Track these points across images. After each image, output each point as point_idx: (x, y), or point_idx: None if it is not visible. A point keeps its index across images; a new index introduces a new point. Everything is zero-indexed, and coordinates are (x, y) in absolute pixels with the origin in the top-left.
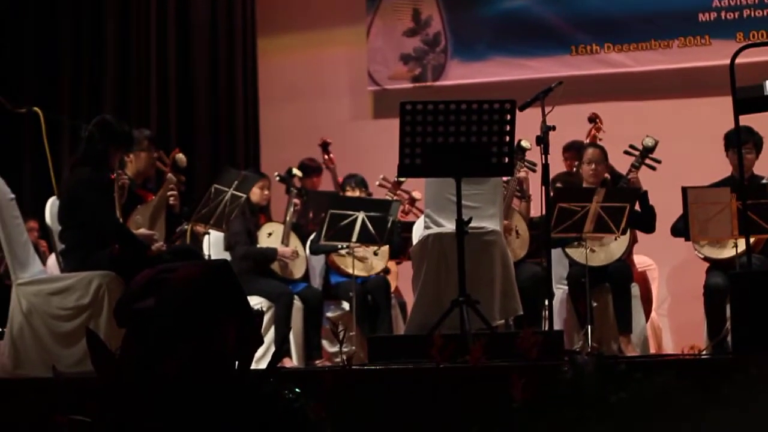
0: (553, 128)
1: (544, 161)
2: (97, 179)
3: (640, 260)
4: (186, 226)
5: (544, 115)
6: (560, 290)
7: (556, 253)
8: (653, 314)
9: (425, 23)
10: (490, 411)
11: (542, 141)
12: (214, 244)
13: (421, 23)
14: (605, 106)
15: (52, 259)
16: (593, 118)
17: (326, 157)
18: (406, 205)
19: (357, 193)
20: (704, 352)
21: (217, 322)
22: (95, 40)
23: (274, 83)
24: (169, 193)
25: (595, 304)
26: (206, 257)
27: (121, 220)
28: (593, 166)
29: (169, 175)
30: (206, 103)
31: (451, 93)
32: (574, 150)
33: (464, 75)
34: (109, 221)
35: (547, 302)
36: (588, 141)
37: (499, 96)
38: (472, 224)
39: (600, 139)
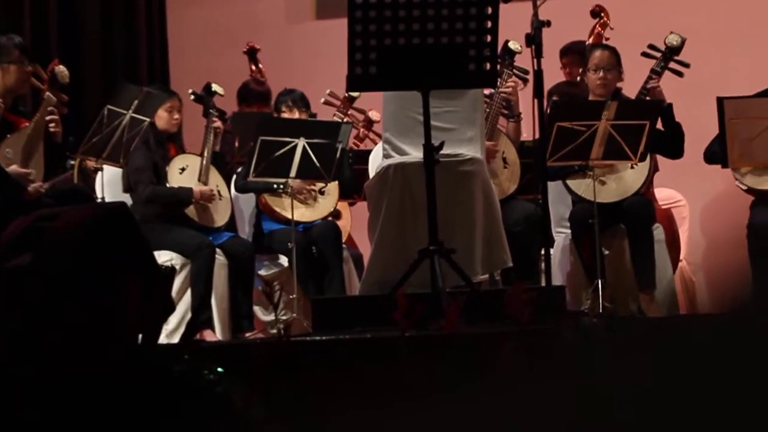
0: (548, 24)
1: (536, 67)
2: None
3: (665, 194)
4: (72, 161)
5: (536, 7)
6: (561, 235)
7: (554, 187)
8: (683, 263)
9: None
10: (468, 389)
11: (534, 41)
12: (109, 184)
13: None
14: None
15: None
16: (597, 12)
17: (254, 68)
18: (361, 129)
19: (296, 115)
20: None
21: (113, 282)
22: None
23: None
24: (47, 117)
25: (606, 252)
26: (98, 200)
27: None
28: (601, 73)
29: (47, 94)
30: (97, 1)
31: None
32: (575, 53)
33: None
34: None
35: (544, 251)
36: (592, 41)
37: None
38: (445, 150)
39: (606, 39)
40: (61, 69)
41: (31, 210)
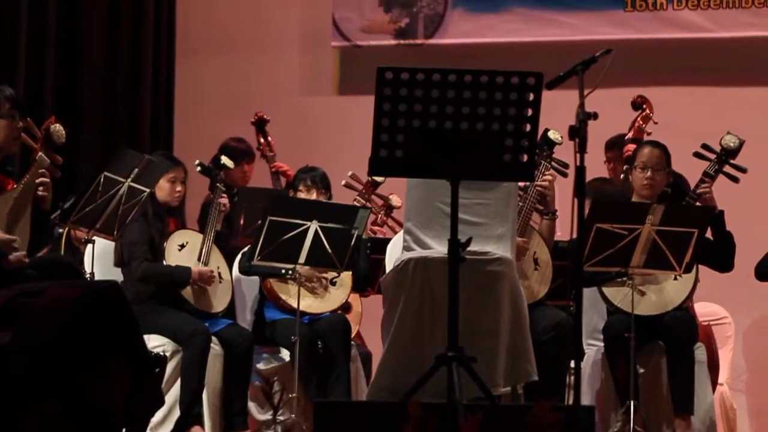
0: (595, 117)
1: (579, 162)
2: None
3: (707, 310)
4: (60, 230)
5: (582, 97)
6: (593, 348)
7: (588, 295)
8: (724, 388)
9: None
10: None
11: (578, 135)
12: (100, 258)
13: None
14: (671, 88)
15: None
16: (639, 104)
17: (262, 140)
18: (380, 215)
19: (314, 196)
20: None
21: (98, 368)
22: None
23: (198, 33)
24: (38, 180)
25: (641, 371)
26: (87, 276)
27: None
28: (649, 173)
29: (40, 154)
30: (100, 56)
31: (451, 57)
32: (621, 148)
33: (470, 31)
34: None
35: (573, 364)
36: (631, 135)
37: (518, 65)
38: (472, 247)
39: (648, 134)
40: (57, 128)
41: (12, 282)
